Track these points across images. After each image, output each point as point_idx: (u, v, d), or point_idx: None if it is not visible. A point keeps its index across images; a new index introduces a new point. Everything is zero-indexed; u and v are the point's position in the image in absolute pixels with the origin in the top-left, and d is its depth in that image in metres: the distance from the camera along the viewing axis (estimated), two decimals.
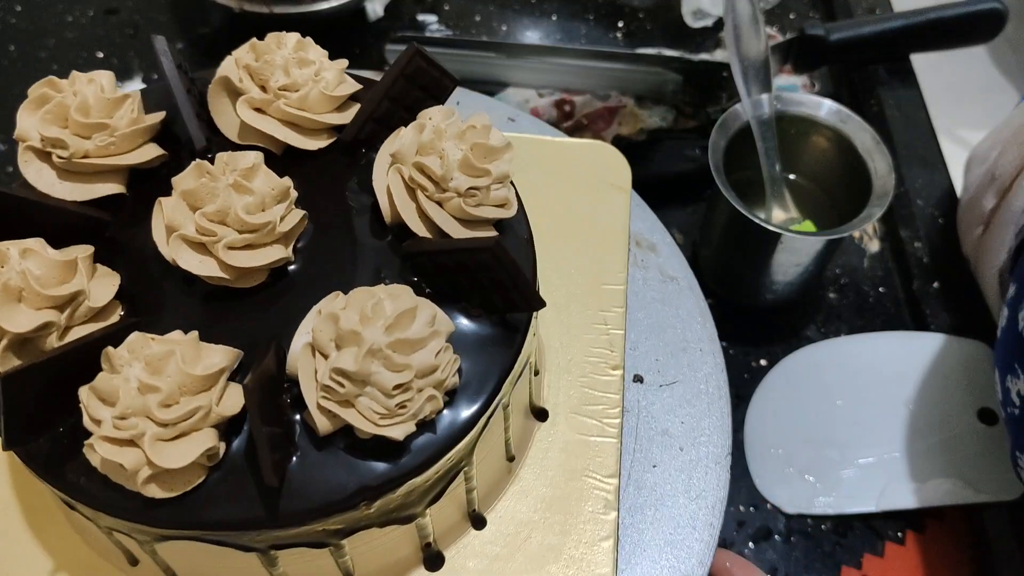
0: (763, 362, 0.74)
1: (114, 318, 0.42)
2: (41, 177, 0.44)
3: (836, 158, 0.72)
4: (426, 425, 0.40)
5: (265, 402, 0.37)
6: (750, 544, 0.65)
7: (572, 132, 0.79)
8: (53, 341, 0.40)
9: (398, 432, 0.38)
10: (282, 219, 0.42)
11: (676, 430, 0.54)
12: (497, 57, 0.81)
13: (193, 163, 0.42)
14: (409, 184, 0.44)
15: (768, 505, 0.67)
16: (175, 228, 0.41)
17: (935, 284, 0.76)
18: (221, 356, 0.39)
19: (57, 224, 0.43)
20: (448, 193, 0.43)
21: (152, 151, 0.47)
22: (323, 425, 0.38)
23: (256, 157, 0.43)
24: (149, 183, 0.47)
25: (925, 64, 0.91)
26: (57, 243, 0.42)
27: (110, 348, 0.37)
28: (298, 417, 0.40)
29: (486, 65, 0.82)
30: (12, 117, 0.44)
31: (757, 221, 0.64)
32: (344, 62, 0.49)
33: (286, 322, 0.42)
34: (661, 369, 0.56)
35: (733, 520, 0.67)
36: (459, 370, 0.41)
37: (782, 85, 0.85)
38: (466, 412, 0.41)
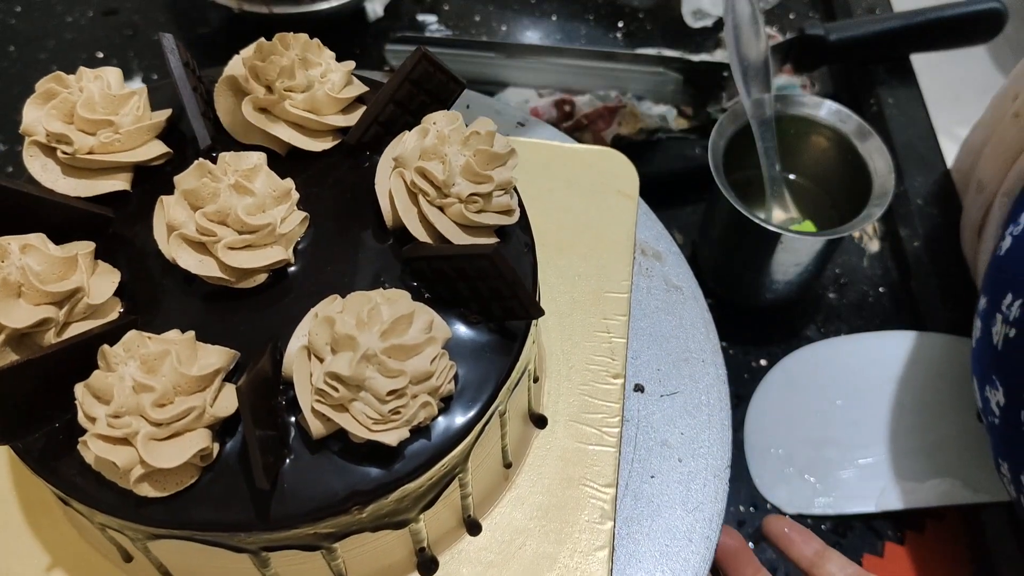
0: (763, 362, 0.74)
1: (113, 315, 0.42)
2: (45, 172, 0.45)
3: (836, 158, 0.72)
4: (420, 431, 0.40)
5: (259, 404, 0.37)
6: (750, 544, 0.65)
7: (572, 132, 0.79)
8: (51, 337, 0.40)
9: (391, 438, 0.38)
10: (283, 221, 0.42)
11: (675, 441, 0.54)
12: (497, 57, 0.81)
13: (195, 163, 0.42)
14: (411, 188, 0.44)
15: (768, 505, 0.67)
16: (175, 227, 0.41)
17: (935, 284, 0.76)
18: (217, 357, 0.39)
19: (60, 219, 0.43)
20: (450, 199, 0.43)
21: (157, 148, 0.47)
22: (317, 429, 0.38)
23: (259, 158, 0.43)
24: (153, 181, 0.47)
25: (925, 64, 0.90)
26: (60, 238, 0.42)
27: (106, 346, 0.37)
28: (292, 420, 0.40)
29: (486, 65, 0.82)
30: (12, 118, 0.45)
31: (757, 221, 0.64)
32: (351, 64, 0.48)
33: (284, 324, 0.42)
34: (662, 379, 0.56)
35: (733, 520, 0.67)
36: (455, 376, 0.41)
37: (782, 85, 0.85)
38: (461, 419, 0.41)
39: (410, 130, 0.46)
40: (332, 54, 0.48)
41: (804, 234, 0.67)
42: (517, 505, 0.49)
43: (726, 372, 0.56)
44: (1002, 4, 0.84)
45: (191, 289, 0.43)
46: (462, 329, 0.43)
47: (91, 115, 0.44)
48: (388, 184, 0.45)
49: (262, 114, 0.47)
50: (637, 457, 0.53)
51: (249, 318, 0.43)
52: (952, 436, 0.68)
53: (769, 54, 0.69)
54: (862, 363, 0.72)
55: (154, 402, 0.36)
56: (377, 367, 0.37)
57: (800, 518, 0.66)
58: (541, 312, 0.42)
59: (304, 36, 0.47)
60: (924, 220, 0.79)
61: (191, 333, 0.39)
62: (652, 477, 0.52)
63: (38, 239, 0.40)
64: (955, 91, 0.86)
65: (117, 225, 0.46)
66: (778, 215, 0.73)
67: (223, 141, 0.48)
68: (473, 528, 0.48)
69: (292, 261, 0.44)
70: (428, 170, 0.43)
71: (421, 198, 0.44)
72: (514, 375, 0.43)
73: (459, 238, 0.44)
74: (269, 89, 0.47)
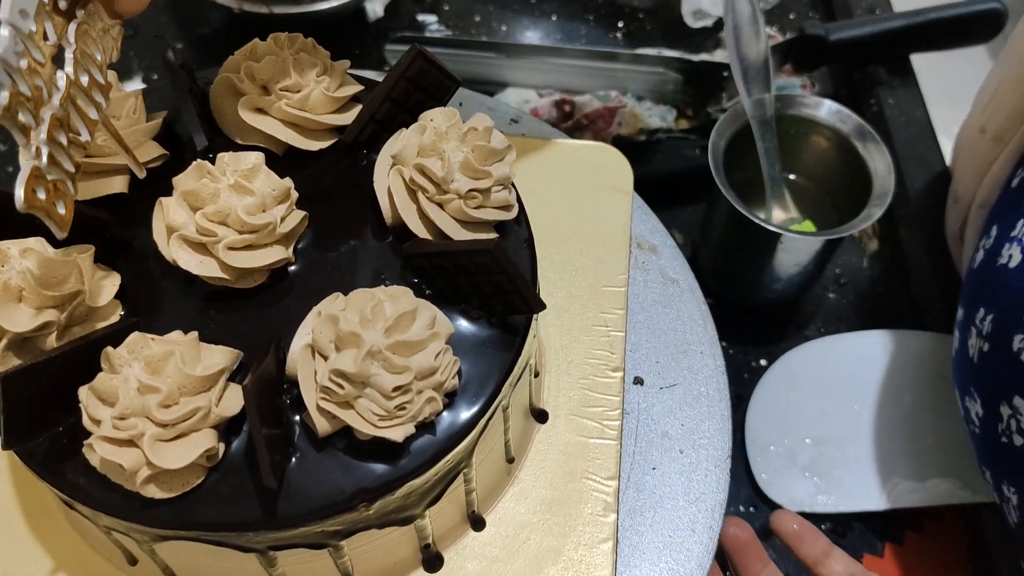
0: (763, 362, 0.74)
1: (114, 318, 0.42)
2: None
3: (836, 158, 0.72)
4: (425, 427, 0.40)
5: (264, 403, 0.37)
6: None
7: (572, 132, 0.79)
8: (53, 341, 0.40)
9: (397, 434, 0.38)
10: (282, 220, 0.42)
11: (676, 432, 0.54)
12: (497, 57, 0.81)
13: (194, 163, 0.42)
14: (410, 186, 0.44)
15: (768, 504, 0.67)
16: (175, 228, 0.41)
17: (935, 284, 0.76)
18: (221, 357, 0.39)
19: None
20: (449, 195, 0.43)
21: (154, 151, 0.47)
22: (322, 426, 0.38)
23: (257, 158, 0.43)
24: (150, 183, 0.47)
25: (925, 64, 0.90)
26: (58, 242, 0.42)
27: (110, 348, 0.37)
28: (297, 418, 0.40)
29: (486, 65, 0.82)
30: None
31: (757, 221, 0.64)
32: (346, 63, 0.48)
33: (286, 323, 0.42)
34: (661, 371, 0.56)
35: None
36: (459, 372, 0.41)
37: (782, 85, 0.85)
38: (465, 414, 0.41)
39: (407, 128, 0.46)
40: (327, 53, 0.48)
41: (804, 234, 0.67)
42: (520, 500, 0.49)
43: (724, 363, 0.57)
44: (1002, 4, 0.84)
45: (191, 290, 0.43)
46: (464, 325, 0.43)
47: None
48: (387, 182, 0.45)
49: (258, 114, 0.47)
50: (638, 449, 0.53)
51: (250, 318, 0.43)
52: (952, 436, 0.67)
53: (769, 54, 0.69)
54: (863, 361, 0.72)
55: (159, 403, 0.36)
56: (382, 363, 0.37)
57: (801, 516, 0.66)
58: (543, 306, 0.42)
59: (299, 36, 0.48)
60: (924, 220, 0.79)
61: (194, 334, 0.39)
62: (654, 469, 0.52)
63: (37, 243, 0.40)
64: (955, 91, 0.86)
65: (115, 228, 0.45)
66: (778, 215, 0.73)
67: (219, 142, 0.48)
68: (477, 524, 0.48)
69: (292, 260, 0.44)
70: (427, 167, 0.43)
71: (420, 195, 0.44)
72: (516, 369, 0.44)
73: (459, 234, 0.44)
74: (265, 89, 0.47)
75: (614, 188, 0.62)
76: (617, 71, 0.80)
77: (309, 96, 0.46)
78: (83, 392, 0.37)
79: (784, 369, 0.72)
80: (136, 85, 0.45)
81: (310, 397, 0.38)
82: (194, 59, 0.89)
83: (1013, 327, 0.50)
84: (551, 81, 0.82)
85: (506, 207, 0.45)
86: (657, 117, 0.81)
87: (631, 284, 0.59)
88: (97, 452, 0.36)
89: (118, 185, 0.46)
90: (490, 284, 0.42)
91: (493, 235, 0.45)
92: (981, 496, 0.65)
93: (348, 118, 0.48)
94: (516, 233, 0.47)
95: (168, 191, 0.43)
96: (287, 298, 0.44)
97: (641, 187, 0.64)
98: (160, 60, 0.41)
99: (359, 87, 0.49)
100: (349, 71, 0.49)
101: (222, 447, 0.39)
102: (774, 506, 0.66)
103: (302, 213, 0.44)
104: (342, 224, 0.46)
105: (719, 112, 0.81)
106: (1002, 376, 0.51)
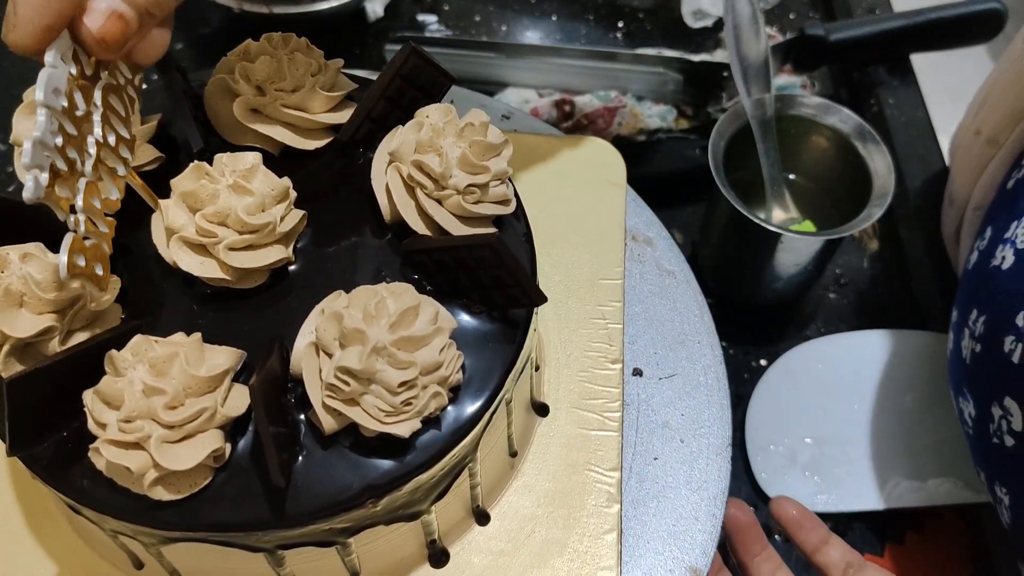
0: (763, 362, 0.74)
1: (116, 322, 0.42)
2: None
3: (836, 158, 0.72)
4: (431, 422, 0.40)
5: (271, 402, 0.37)
6: None
7: (572, 132, 0.79)
8: (55, 346, 0.39)
9: (404, 429, 0.38)
10: (282, 219, 0.42)
11: (676, 422, 0.54)
12: (497, 57, 0.81)
13: (192, 164, 0.42)
14: (408, 182, 0.44)
15: (769, 503, 0.67)
16: (175, 230, 0.41)
17: (935, 284, 0.76)
18: (225, 357, 0.39)
19: (55, 228, 0.43)
20: (447, 191, 0.43)
21: (149, 153, 0.47)
22: (328, 424, 0.38)
23: (255, 158, 0.43)
24: (148, 186, 0.47)
25: (925, 64, 0.91)
26: (56, 247, 0.42)
27: (114, 351, 0.37)
28: (302, 417, 0.40)
29: (486, 65, 0.82)
30: (12, 118, 0.44)
31: (757, 221, 0.64)
32: (340, 62, 0.48)
33: (288, 322, 0.42)
34: (660, 362, 0.57)
35: None
36: (462, 367, 0.41)
37: (782, 85, 0.85)
38: (470, 408, 0.41)
39: (403, 125, 0.46)
40: (321, 52, 0.48)
41: (804, 234, 0.67)
42: (524, 493, 0.50)
43: (722, 352, 0.57)
44: (1002, 4, 0.84)
45: (192, 291, 0.43)
46: (465, 319, 0.44)
47: None
48: (385, 179, 0.45)
49: (254, 115, 0.47)
50: (639, 440, 0.53)
51: (252, 318, 0.43)
52: (952, 436, 0.68)
53: (769, 54, 0.69)
54: (863, 361, 0.72)
55: (165, 404, 0.36)
56: (387, 359, 0.37)
57: (801, 504, 0.66)
58: (544, 298, 0.42)
59: (292, 35, 0.47)
60: (924, 220, 0.79)
61: (197, 335, 0.39)
62: (655, 459, 0.53)
63: (37, 248, 0.40)
64: (955, 91, 0.86)
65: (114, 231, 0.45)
66: (778, 215, 0.74)
67: (215, 144, 0.48)
68: (482, 518, 0.48)
69: (292, 260, 0.44)
70: (425, 163, 0.43)
71: (419, 191, 0.44)
72: (519, 363, 0.44)
73: (458, 229, 0.44)
74: (260, 90, 0.46)
75: (607, 182, 0.62)
76: (617, 71, 0.81)
77: (305, 96, 0.46)
78: (88, 396, 0.37)
79: (784, 369, 0.72)
80: None
81: (315, 395, 0.38)
82: (194, 59, 0.89)
83: (1004, 328, 0.51)
84: (551, 81, 0.82)
85: (504, 202, 0.46)
86: (657, 117, 0.81)
87: (627, 276, 0.59)
88: (103, 455, 0.36)
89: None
90: (491, 278, 0.42)
91: (492, 230, 0.45)
92: (981, 496, 0.65)
93: (343, 117, 0.48)
94: (514, 227, 0.47)
95: (165, 194, 0.43)
96: (288, 297, 0.44)
97: (641, 187, 0.64)
98: (159, 60, 0.41)
99: (353, 85, 0.49)
100: (344, 71, 0.49)
101: (228, 447, 0.39)
102: (773, 518, 0.66)
103: (301, 212, 0.44)
104: (340, 222, 0.46)
105: (719, 112, 0.81)
106: (993, 377, 0.52)
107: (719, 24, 0.93)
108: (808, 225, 0.74)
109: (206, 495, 0.38)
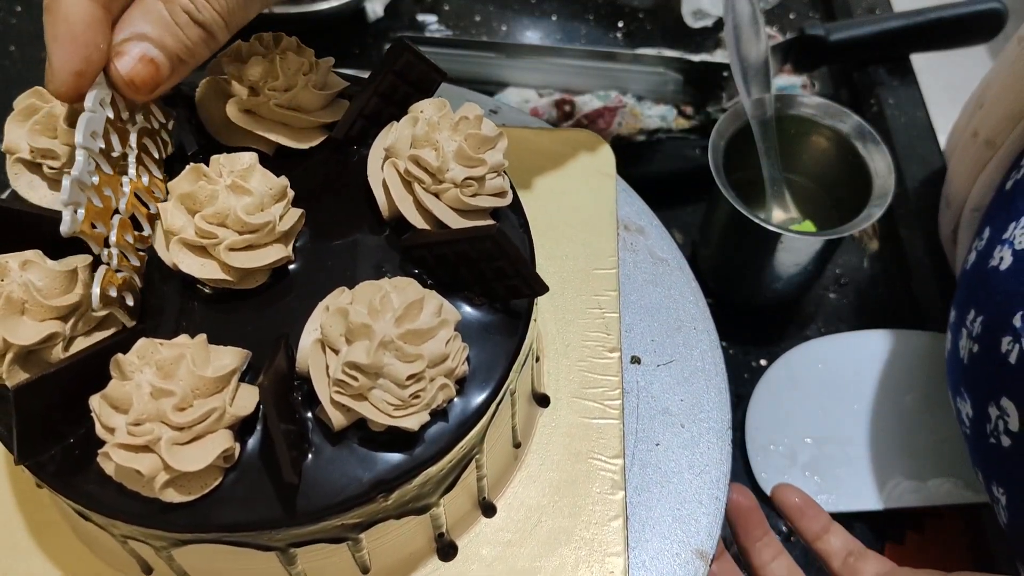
0: (763, 362, 0.74)
1: (118, 326, 0.42)
2: (32, 189, 0.44)
3: (836, 158, 0.73)
4: (438, 414, 0.40)
5: (280, 401, 0.37)
6: None
7: None
8: (59, 352, 0.39)
9: (413, 422, 0.38)
10: (281, 218, 0.42)
11: (676, 408, 0.55)
12: (497, 57, 0.81)
13: (188, 166, 0.42)
14: (405, 177, 0.44)
15: (769, 503, 0.67)
16: (174, 232, 0.41)
17: (935, 284, 0.76)
18: (231, 357, 0.39)
19: (52, 235, 0.42)
20: (445, 184, 0.44)
21: None
22: (337, 420, 0.38)
23: (252, 157, 0.43)
24: None
25: (925, 64, 0.91)
26: (53, 254, 0.42)
27: (120, 355, 0.37)
28: (309, 414, 0.40)
29: (486, 65, 0.82)
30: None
31: (757, 221, 0.65)
32: (331, 60, 0.48)
33: (290, 321, 0.42)
34: (657, 349, 0.57)
35: None
36: (467, 359, 0.41)
37: (782, 85, 0.86)
38: (477, 399, 0.41)
39: (397, 121, 0.46)
40: (311, 51, 0.48)
41: (804, 234, 0.67)
42: (529, 484, 0.50)
43: (718, 336, 0.58)
44: (1002, 4, 0.85)
45: (192, 293, 0.43)
46: (467, 311, 0.44)
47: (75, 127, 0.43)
48: (381, 175, 0.45)
49: (247, 116, 0.47)
50: (640, 427, 0.54)
51: (254, 318, 0.43)
52: (953, 436, 0.68)
53: (769, 54, 0.69)
54: (863, 361, 0.73)
55: (175, 406, 0.36)
56: (395, 353, 0.37)
57: (803, 491, 0.67)
58: (546, 288, 0.43)
59: (282, 35, 0.47)
60: (924, 220, 0.79)
61: (203, 336, 0.39)
62: (657, 445, 0.53)
63: (36, 255, 0.40)
64: (955, 91, 0.86)
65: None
66: (778, 215, 0.74)
67: (208, 146, 0.48)
68: (488, 510, 0.49)
69: (292, 259, 0.44)
70: (421, 158, 0.43)
71: (416, 186, 0.44)
72: (522, 353, 0.44)
73: (456, 223, 0.44)
74: (252, 90, 0.46)
75: (597, 172, 0.63)
76: (617, 71, 0.81)
77: (297, 95, 0.46)
78: (95, 401, 0.37)
79: (784, 369, 0.72)
80: None
81: (323, 391, 0.38)
82: None
83: (1002, 329, 0.51)
84: (551, 81, 0.82)
85: (501, 194, 0.46)
86: (657, 117, 0.81)
87: (621, 265, 0.59)
88: (113, 460, 0.36)
89: None
90: (492, 270, 0.42)
91: (490, 222, 0.45)
92: (981, 496, 0.65)
93: (337, 115, 0.48)
94: (512, 219, 0.47)
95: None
96: (289, 296, 0.44)
97: (641, 187, 0.64)
98: None
99: (345, 83, 0.49)
100: (341, 70, 0.49)
101: (238, 447, 0.39)
102: (775, 506, 0.67)
103: (299, 211, 0.44)
104: (338, 220, 0.46)
105: (719, 112, 0.81)
106: (990, 378, 0.52)
107: (719, 24, 0.94)
108: (808, 225, 0.74)
109: (217, 496, 0.38)
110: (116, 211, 0.40)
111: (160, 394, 0.36)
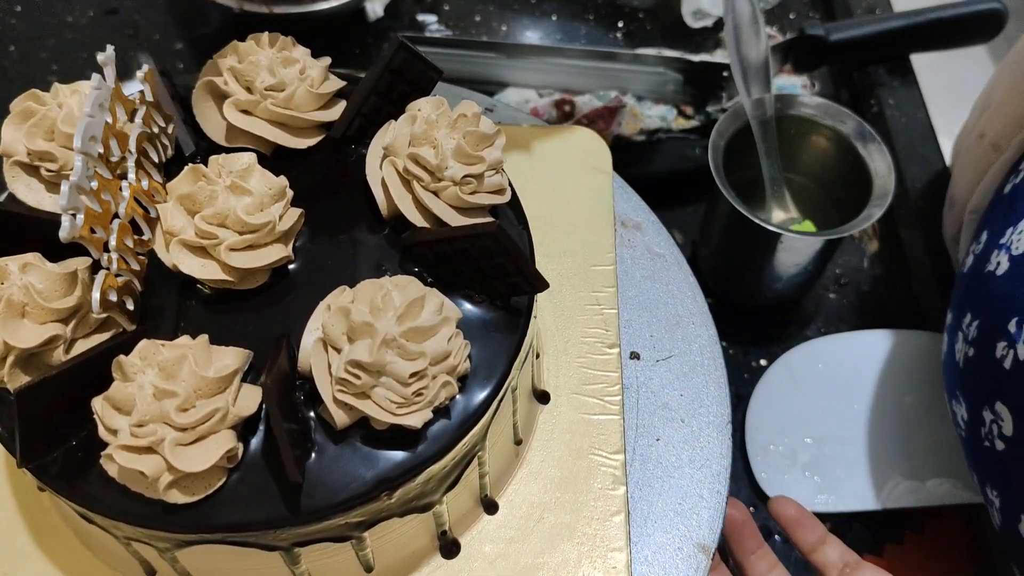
0: (763, 362, 0.74)
1: (119, 328, 0.42)
2: (30, 191, 0.44)
3: (836, 158, 0.72)
4: (441, 412, 0.40)
5: (283, 400, 0.37)
6: None
7: None
8: (60, 355, 0.39)
9: (415, 420, 0.38)
10: (281, 218, 0.42)
11: (676, 403, 0.55)
12: (497, 57, 0.81)
13: (187, 167, 0.42)
14: (404, 176, 0.44)
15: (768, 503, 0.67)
16: (174, 233, 0.41)
17: (935, 284, 0.76)
18: (233, 357, 0.39)
19: (51, 238, 0.42)
20: (444, 182, 0.44)
21: None
22: (340, 418, 0.38)
23: (250, 158, 0.43)
24: None
25: (925, 64, 0.91)
26: (52, 257, 0.42)
27: (122, 357, 0.37)
28: (312, 413, 0.40)
29: (486, 65, 0.81)
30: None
31: (757, 221, 0.64)
32: (327, 59, 0.49)
33: (291, 321, 0.42)
34: (656, 344, 0.57)
35: None
36: (469, 356, 0.41)
37: (782, 85, 0.85)
38: (479, 397, 0.41)
39: (394, 120, 0.46)
40: (307, 51, 0.48)
41: (804, 234, 0.67)
42: (530, 480, 0.50)
43: (716, 331, 0.58)
44: (1002, 4, 0.84)
45: (193, 294, 0.43)
46: (468, 309, 0.44)
47: (72, 130, 0.43)
48: (380, 174, 0.45)
49: (244, 116, 0.47)
50: (640, 422, 0.54)
51: (254, 318, 0.43)
52: (952, 436, 0.66)
53: (769, 54, 0.69)
54: (863, 361, 0.72)
55: (177, 407, 0.36)
56: (397, 351, 0.37)
57: (799, 504, 0.66)
58: (546, 284, 0.43)
59: (278, 35, 0.47)
60: (924, 220, 0.79)
61: (204, 336, 0.39)
62: (657, 440, 0.53)
63: (35, 258, 0.40)
64: (955, 91, 0.85)
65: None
66: (778, 215, 0.73)
67: (205, 147, 0.48)
68: (490, 507, 0.49)
69: (292, 258, 0.44)
70: (420, 156, 0.43)
71: (415, 184, 0.44)
72: (523, 350, 0.44)
73: (455, 220, 0.44)
74: (248, 90, 0.46)
75: (593, 169, 0.63)
76: (617, 71, 0.80)
77: (294, 94, 0.46)
78: (97, 403, 0.37)
79: (784, 369, 0.72)
80: (137, 86, 0.45)
81: (326, 390, 0.38)
82: (194, 59, 0.89)
83: (997, 334, 0.51)
84: (551, 81, 0.82)
85: (500, 191, 0.46)
86: (657, 117, 0.81)
87: (619, 262, 0.59)
88: (117, 461, 0.36)
89: None
90: (492, 267, 0.42)
91: (489, 219, 0.45)
92: (980, 497, 0.63)
93: (334, 114, 0.48)
94: (510, 216, 0.47)
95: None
96: (289, 296, 0.44)
97: (641, 187, 0.64)
98: (160, 61, 0.42)
99: (342, 83, 0.49)
100: (342, 70, 0.49)
101: (241, 447, 0.39)
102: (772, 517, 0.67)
103: (299, 210, 0.44)
104: (337, 219, 0.46)
105: (719, 112, 0.81)
106: (985, 382, 0.52)
107: (719, 24, 0.93)
108: (808, 225, 0.74)
109: (221, 496, 0.38)
110: (116, 215, 0.40)
111: (163, 395, 0.36)
